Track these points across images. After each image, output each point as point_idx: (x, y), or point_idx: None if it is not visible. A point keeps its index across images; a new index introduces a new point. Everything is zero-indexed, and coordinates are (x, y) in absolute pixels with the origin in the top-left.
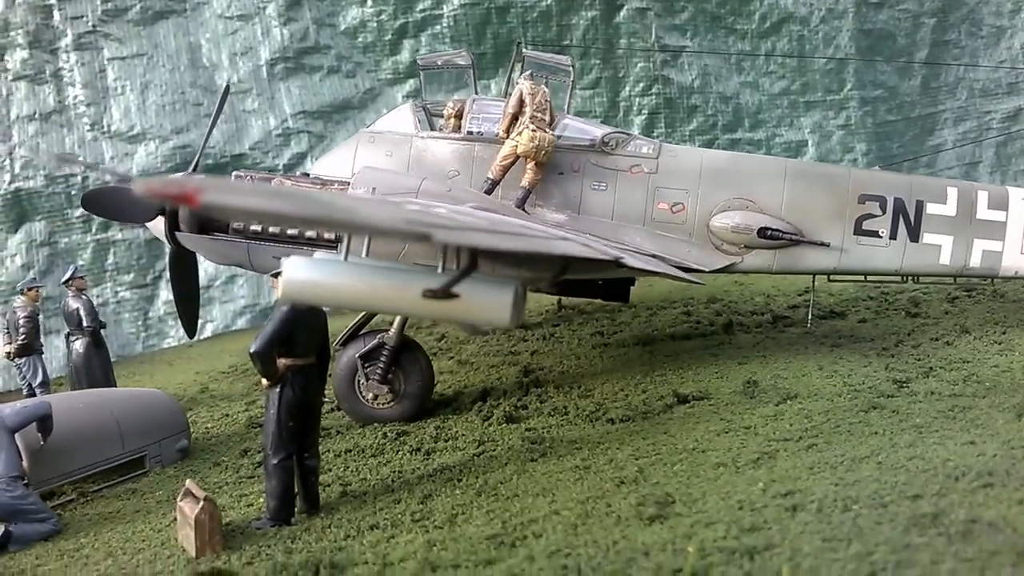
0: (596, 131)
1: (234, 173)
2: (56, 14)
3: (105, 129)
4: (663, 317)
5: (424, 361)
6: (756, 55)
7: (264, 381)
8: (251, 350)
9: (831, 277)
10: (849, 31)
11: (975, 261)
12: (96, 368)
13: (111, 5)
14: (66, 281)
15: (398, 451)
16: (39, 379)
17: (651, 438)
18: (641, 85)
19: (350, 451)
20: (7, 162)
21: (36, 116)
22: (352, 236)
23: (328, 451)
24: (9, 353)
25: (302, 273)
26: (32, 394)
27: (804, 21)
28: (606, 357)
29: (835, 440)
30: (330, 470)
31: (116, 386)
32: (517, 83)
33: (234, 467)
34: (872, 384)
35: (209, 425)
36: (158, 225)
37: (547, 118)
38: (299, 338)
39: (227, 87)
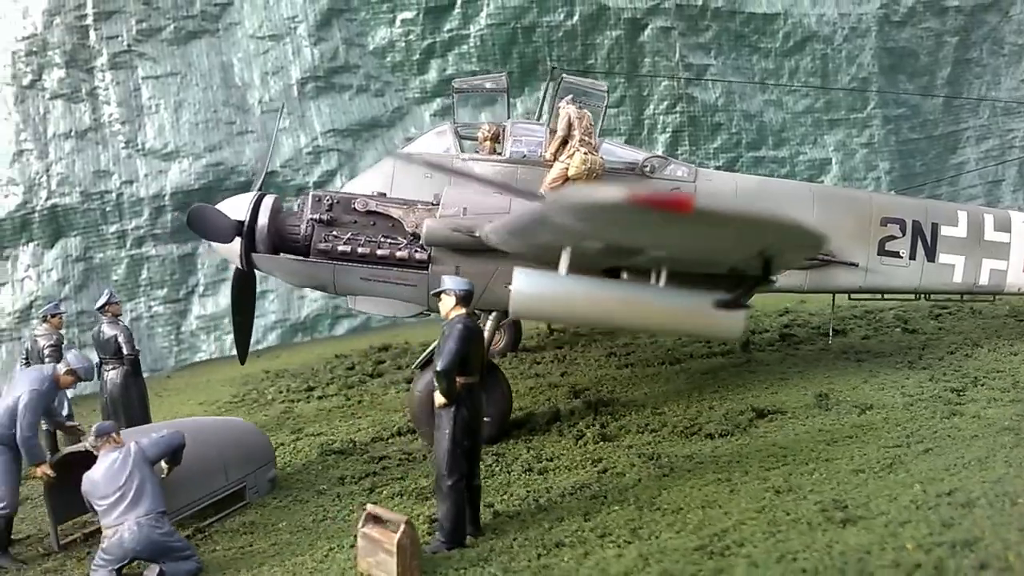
0: (635, 155)
1: (311, 193)
2: (92, 34)
3: (139, 147)
4: (666, 338)
5: (504, 383)
6: (777, 84)
7: (440, 401)
8: (438, 369)
9: (851, 296)
10: (872, 49)
11: (984, 279)
12: (135, 398)
13: (146, 25)
14: (101, 307)
15: (510, 472)
16: (65, 412)
17: (764, 449)
18: (665, 103)
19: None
20: (44, 178)
21: (72, 134)
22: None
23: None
24: None
25: (547, 287)
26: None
27: (827, 40)
28: (643, 377)
29: (943, 444)
30: None
31: (151, 418)
32: (560, 107)
33: (343, 494)
34: (932, 393)
35: (277, 454)
36: (233, 247)
37: (593, 142)
38: (472, 356)
39: (282, 105)
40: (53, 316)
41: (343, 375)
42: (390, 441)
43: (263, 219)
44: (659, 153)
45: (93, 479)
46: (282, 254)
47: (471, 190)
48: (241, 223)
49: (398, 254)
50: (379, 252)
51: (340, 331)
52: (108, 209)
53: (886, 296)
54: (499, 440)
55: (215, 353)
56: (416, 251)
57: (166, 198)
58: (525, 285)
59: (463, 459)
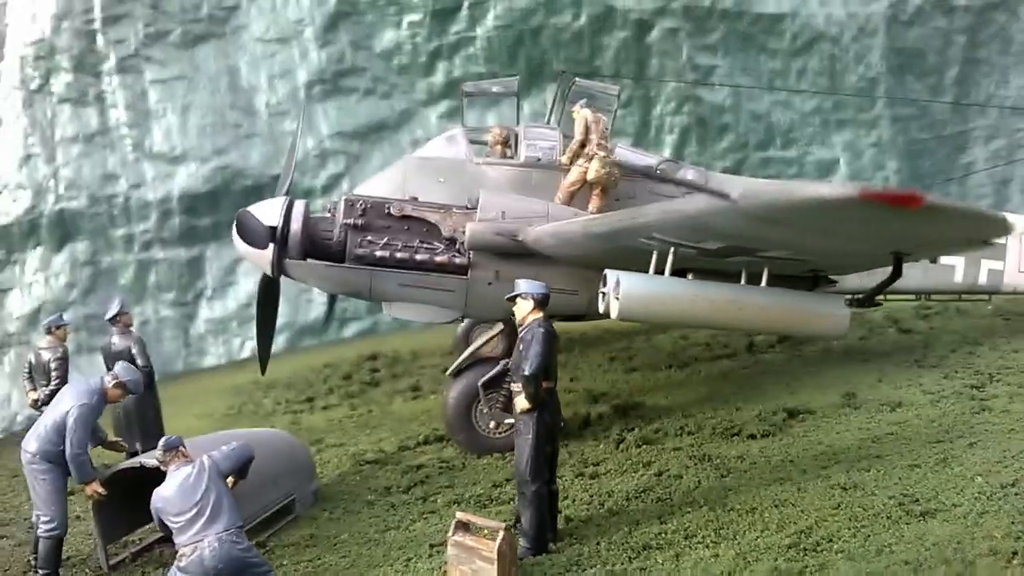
0: (648, 159)
1: (344, 198)
2: (100, 38)
3: (147, 151)
4: (663, 341)
5: None
6: (781, 89)
7: (524, 406)
8: (526, 373)
9: (854, 297)
10: (880, 49)
11: (983, 279)
12: (150, 414)
13: (153, 29)
14: (112, 317)
15: (561, 477)
16: None
17: (811, 448)
18: (672, 104)
19: (511, 480)
20: (52, 182)
21: (79, 138)
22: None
23: (488, 481)
24: (37, 401)
25: (657, 290)
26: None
27: (835, 40)
28: (655, 381)
29: (984, 438)
30: (514, 499)
31: (165, 433)
32: (575, 111)
33: (397, 504)
34: (953, 390)
35: None
36: (265, 253)
37: (609, 145)
38: (552, 360)
39: (303, 108)
40: (57, 328)
41: (340, 385)
42: (419, 450)
43: (295, 224)
44: (669, 157)
45: (166, 496)
46: (310, 259)
47: (507, 194)
48: (274, 229)
49: (437, 259)
50: (417, 257)
51: (349, 333)
52: (116, 213)
53: (888, 297)
54: None
55: (223, 357)
56: (455, 256)
57: (173, 201)
58: (632, 288)
59: (545, 464)
